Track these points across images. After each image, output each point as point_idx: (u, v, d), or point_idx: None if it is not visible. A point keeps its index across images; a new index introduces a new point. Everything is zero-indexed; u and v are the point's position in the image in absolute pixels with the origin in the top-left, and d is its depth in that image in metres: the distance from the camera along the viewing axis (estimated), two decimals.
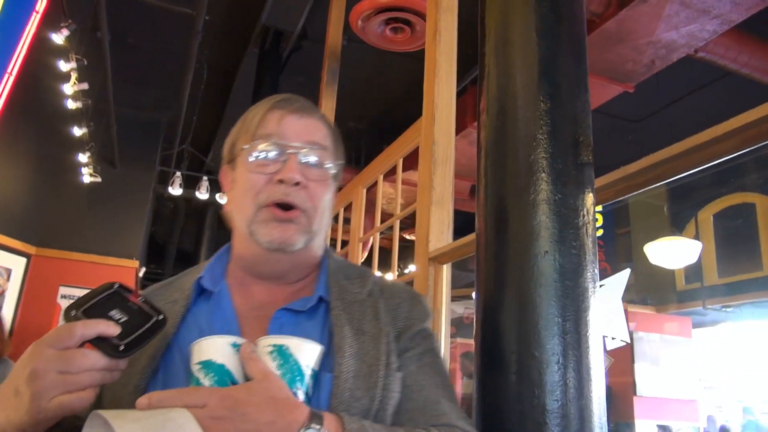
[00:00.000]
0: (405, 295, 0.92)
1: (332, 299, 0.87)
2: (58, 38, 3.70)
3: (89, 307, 0.70)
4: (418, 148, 2.28)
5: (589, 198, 1.02)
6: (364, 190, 3.00)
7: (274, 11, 4.98)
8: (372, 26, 3.41)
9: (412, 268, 4.04)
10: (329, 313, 0.86)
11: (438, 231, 2.01)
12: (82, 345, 0.68)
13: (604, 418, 0.93)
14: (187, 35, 4.86)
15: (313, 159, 0.89)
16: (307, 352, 0.75)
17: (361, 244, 2.97)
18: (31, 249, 6.54)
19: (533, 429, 0.89)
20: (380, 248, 2.74)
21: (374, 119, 6.97)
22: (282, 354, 0.73)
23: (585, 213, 1.00)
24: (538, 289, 0.95)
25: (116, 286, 0.74)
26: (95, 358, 0.67)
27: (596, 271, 1.00)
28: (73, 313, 0.69)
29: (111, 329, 0.69)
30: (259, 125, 0.89)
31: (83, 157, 6.08)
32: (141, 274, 7.87)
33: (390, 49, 3.71)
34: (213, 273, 0.92)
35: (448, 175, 2.08)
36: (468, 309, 7.23)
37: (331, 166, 0.92)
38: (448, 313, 2.01)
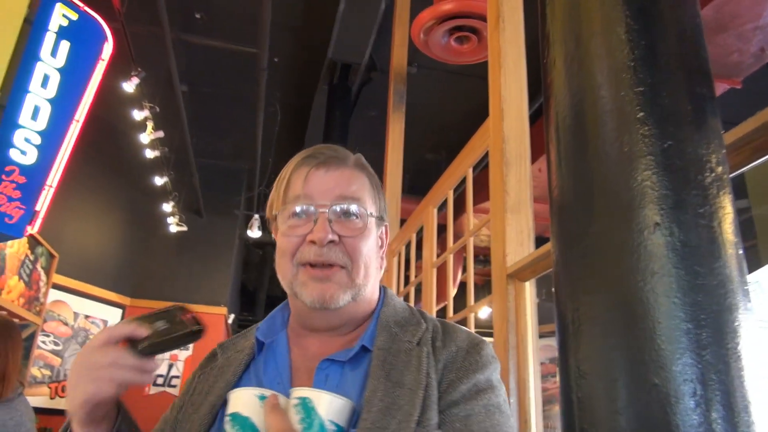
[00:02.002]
0: (463, 343, 0.83)
1: (375, 348, 0.82)
2: (129, 87, 3.76)
3: (144, 318, 0.79)
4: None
5: (717, 143, 0.68)
6: (435, 211, 2.71)
7: (339, 45, 4.92)
8: (435, 38, 3.18)
9: None
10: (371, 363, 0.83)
11: (515, 242, 1.68)
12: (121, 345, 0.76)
13: None
14: (254, 76, 4.89)
15: (345, 213, 0.86)
16: (331, 406, 0.71)
17: (435, 271, 2.66)
18: (125, 300, 6.74)
19: None
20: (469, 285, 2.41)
21: (452, 147, 6.69)
22: (305, 407, 0.70)
23: (714, 164, 0.66)
24: (649, 281, 0.61)
25: (177, 305, 0.84)
26: (119, 354, 0.74)
27: (741, 251, 0.65)
28: (129, 320, 0.79)
29: (139, 331, 0.75)
30: (287, 187, 0.88)
31: (168, 207, 6.24)
32: (230, 321, 7.91)
33: (457, 62, 3.45)
34: (274, 323, 0.93)
35: (524, 176, 1.76)
36: None
37: (370, 213, 0.88)
38: (534, 343, 1.65)
